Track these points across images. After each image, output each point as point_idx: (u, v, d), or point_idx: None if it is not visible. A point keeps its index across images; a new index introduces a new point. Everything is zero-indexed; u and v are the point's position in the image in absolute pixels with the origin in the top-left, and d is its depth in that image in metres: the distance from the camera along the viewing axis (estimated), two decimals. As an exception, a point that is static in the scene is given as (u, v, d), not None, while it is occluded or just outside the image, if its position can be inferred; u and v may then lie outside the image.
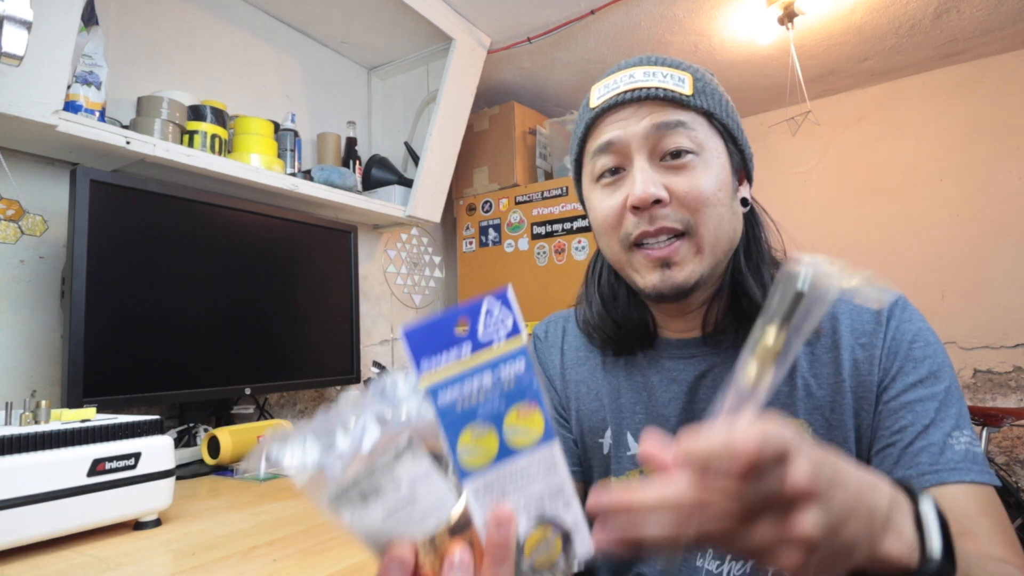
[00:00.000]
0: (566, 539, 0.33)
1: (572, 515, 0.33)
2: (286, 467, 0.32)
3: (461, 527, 0.34)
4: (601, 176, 0.64)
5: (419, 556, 0.33)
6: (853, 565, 0.32)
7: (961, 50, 2.25)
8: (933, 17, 1.98)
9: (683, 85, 0.61)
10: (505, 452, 0.33)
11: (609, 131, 0.62)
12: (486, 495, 0.33)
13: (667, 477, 0.32)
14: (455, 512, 0.34)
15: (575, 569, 0.33)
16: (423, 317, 0.35)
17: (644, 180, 0.59)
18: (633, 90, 0.61)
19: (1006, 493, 2.01)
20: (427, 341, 0.34)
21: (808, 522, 0.29)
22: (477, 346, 0.34)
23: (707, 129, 0.62)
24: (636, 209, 0.59)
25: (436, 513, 0.33)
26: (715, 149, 0.62)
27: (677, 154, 0.60)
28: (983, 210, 2.31)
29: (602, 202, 0.63)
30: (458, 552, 0.32)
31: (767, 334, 0.33)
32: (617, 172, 0.63)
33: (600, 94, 0.63)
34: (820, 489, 0.30)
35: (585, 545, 0.33)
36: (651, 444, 0.33)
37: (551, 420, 0.34)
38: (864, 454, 0.60)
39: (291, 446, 0.32)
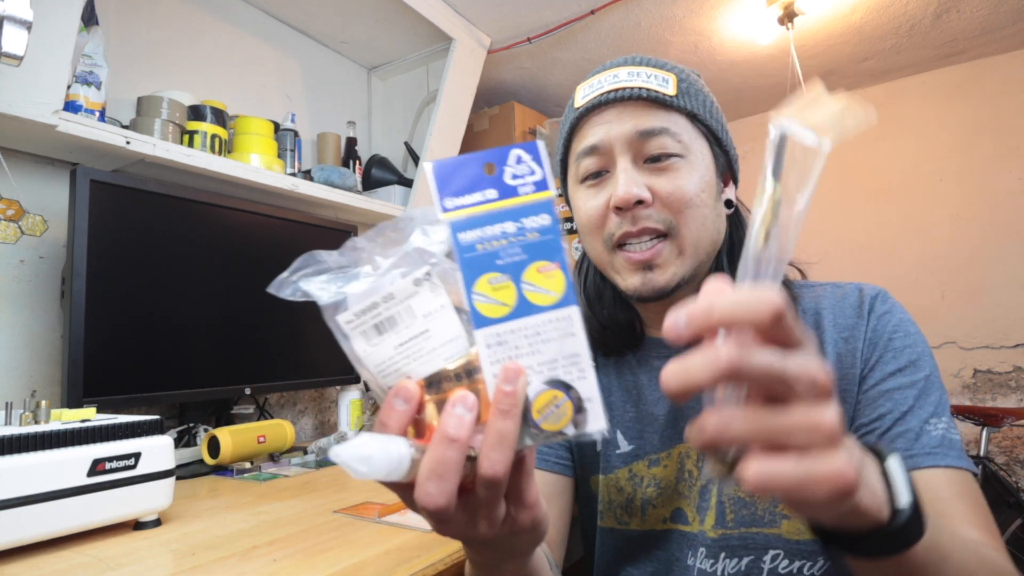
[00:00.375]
0: (578, 408, 0.32)
1: (587, 386, 0.32)
2: (312, 293, 0.34)
3: (468, 373, 0.33)
4: (586, 178, 0.64)
5: (423, 397, 0.33)
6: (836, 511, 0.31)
7: (961, 50, 2.25)
8: (933, 17, 1.98)
9: (667, 86, 0.61)
10: (522, 307, 0.32)
11: (593, 134, 0.62)
12: (498, 347, 0.32)
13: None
14: (466, 355, 0.33)
15: (583, 439, 0.32)
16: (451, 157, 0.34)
17: (627, 181, 0.59)
18: (616, 90, 0.61)
19: (1006, 493, 2.01)
20: (453, 177, 0.33)
21: (833, 413, 0.28)
22: (504, 192, 0.33)
23: (691, 131, 0.62)
24: (619, 210, 0.60)
25: (447, 350, 0.33)
26: (699, 151, 0.62)
27: (661, 157, 0.60)
28: (983, 210, 2.31)
29: (586, 203, 0.64)
30: (461, 392, 0.32)
31: (763, 191, 0.31)
32: (601, 174, 0.63)
33: (584, 94, 0.64)
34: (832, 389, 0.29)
35: (598, 420, 0.32)
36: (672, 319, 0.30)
37: (573, 283, 0.32)
38: None
39: (317, 276, 0.33)
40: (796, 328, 0.28)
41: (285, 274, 0.34)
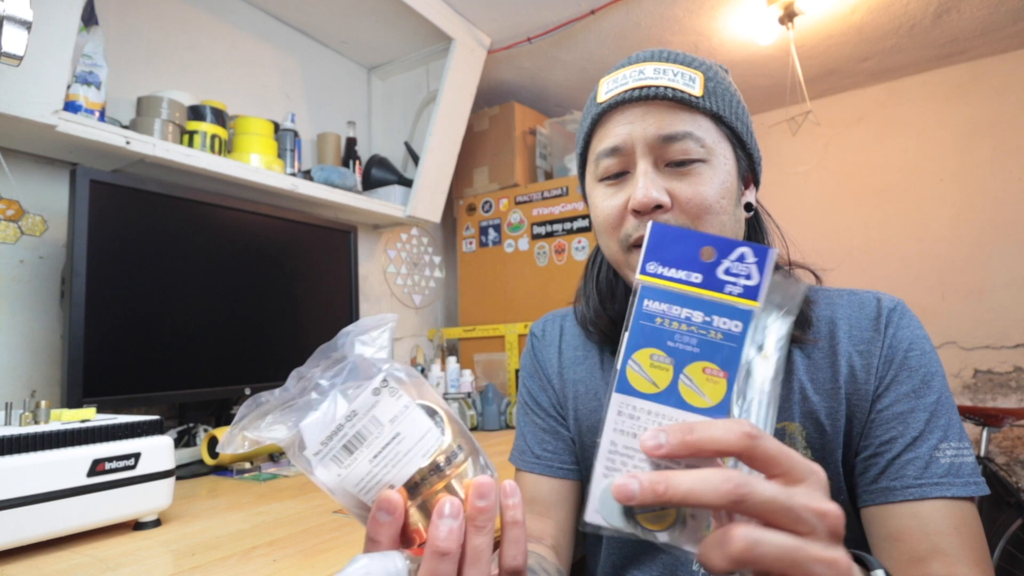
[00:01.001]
0: (682, 519, 0.31)
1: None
2: (265, 440, 0.32)
3: (448, 461, 0.33)
4: (605, 178, 0.63)
5: (406, 504, 0.32)
6: None
7: (961, 50, 2.25)
8: (933, 17, 1.98)
9: (693, 85, 0.59)
10: (670, 396, 0.31)
11: (615, 133, 0.61)
12: (628, 419, 0.31)
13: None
14: (439, 446, 0.32)
15: (672, 551, 0.31)
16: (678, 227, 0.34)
17: (646, 184, 0.58)
18: (641, 88, 0.59)
19: (1006, 493, 2.01)
20: (668, 245, 0.33)
21: (843, 554, 0.30)
22: (709, 282, 0.32)
23: (715, 134, 0.60)
24: (637, 212, 0.59)
25: (422, 447, 0.32)
26: (722, 155, 0.60)
27: (683, 162, 0.59)
28: (983, 210, 2.31)
29: (604, 201, 0.63)
30: (445, 500, 0.31)
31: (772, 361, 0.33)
32: (620, 175, 0.62)
33: (608, 88, 0.62)
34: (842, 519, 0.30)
35: (696, 541, 0.31)
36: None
37: (730, 400, 0.31)
38: (850, 459, 0.60)
39: (262, 419, 0.32)
40: (785, 457, 0.30)
41: (231, 428, 0.33)
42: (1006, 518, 1.99)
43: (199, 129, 1.34)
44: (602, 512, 0.31)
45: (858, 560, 0.37)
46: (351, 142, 1.85)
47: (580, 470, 0.73)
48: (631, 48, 2.06)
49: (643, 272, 0.33)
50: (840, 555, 0.29)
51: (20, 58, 0.74)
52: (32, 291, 1.18)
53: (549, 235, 2.02)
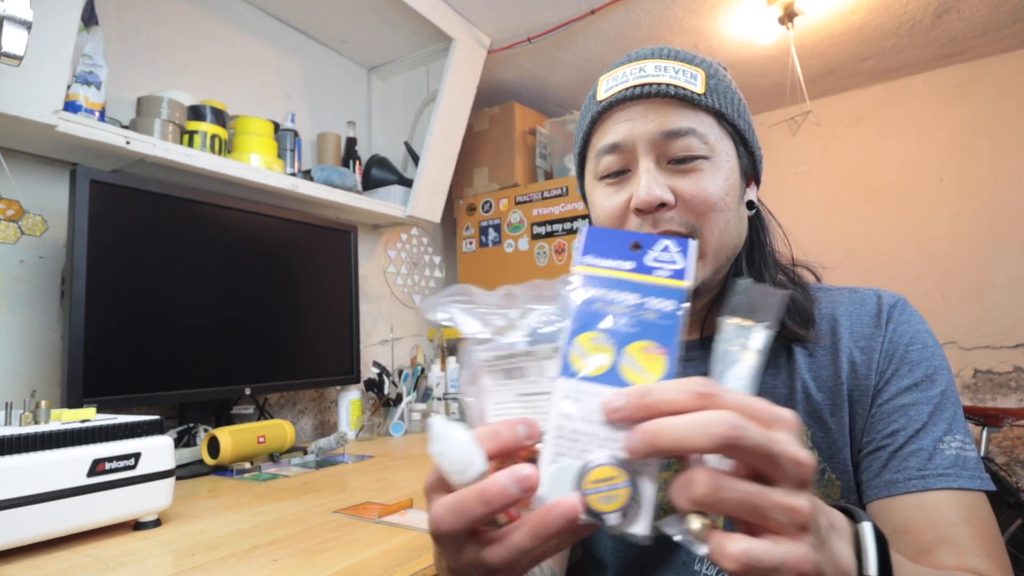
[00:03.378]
0: (633, 499, 0.30)
1: (649, 487, 0.31)
2: (462, 326, 0.36)
3: None
4: (605, 175, 0.62)
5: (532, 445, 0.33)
6: None
7: (961, 50, 2.25)
8: (933, 17, 1.98)
9: (695, 83, 0.58)
10: (612, 377, 0.32)
11: (615, 131, 0.60)
12: (573, 402, 0.32)
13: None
14: None
15: (621, 533, 0.31)
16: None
17: (649, 183, 0.57)
18: (642, 85, 0.58)
19: (1006, 493, 2.01)
20: (600, 242, 0.36)
21: (808, 502, 0.30)
22: (639, 267, 0.35)
23: (717, 131, 0.59)
24: (639, 211, 0.58)
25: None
26: (725, 152, 0.60)
27: (686, 159, 0.58)
28: (983, 210, 2.31)
29: (604, 200, 0.62)
30: (525, 467, 0.32)
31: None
32: (621, 173, 0.61)
33: (608, 87, 0.61)
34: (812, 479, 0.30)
35: (646, 524, 0.31)
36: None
37: (672, 376, 0.31)
38: (855, 456, 0.59)
39: (469, 308, 0.35)
40: (775, 411, 0.30)
41: (439, 296, 0.36)
42: (1006, 518, 1.99)
43: (199, 129, 1.34)
44: (551, 495, 0.32)
45: (847, 513, 0.37)
46: (351, 142, 1.85)
47: None
48: (631, 48, 2.06)
49: (579, 263, 0.35)
50: (803, 503, 0.29)
51: (20, 58, 0.74)
52: (32, 291, 1.18)
53: (549, 235, 2.02)
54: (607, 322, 0.33)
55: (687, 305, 0.33)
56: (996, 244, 2.28)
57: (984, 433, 2.07)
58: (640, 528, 0.31)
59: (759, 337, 0.35)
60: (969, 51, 2.26)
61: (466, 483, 0.32)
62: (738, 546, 0.29)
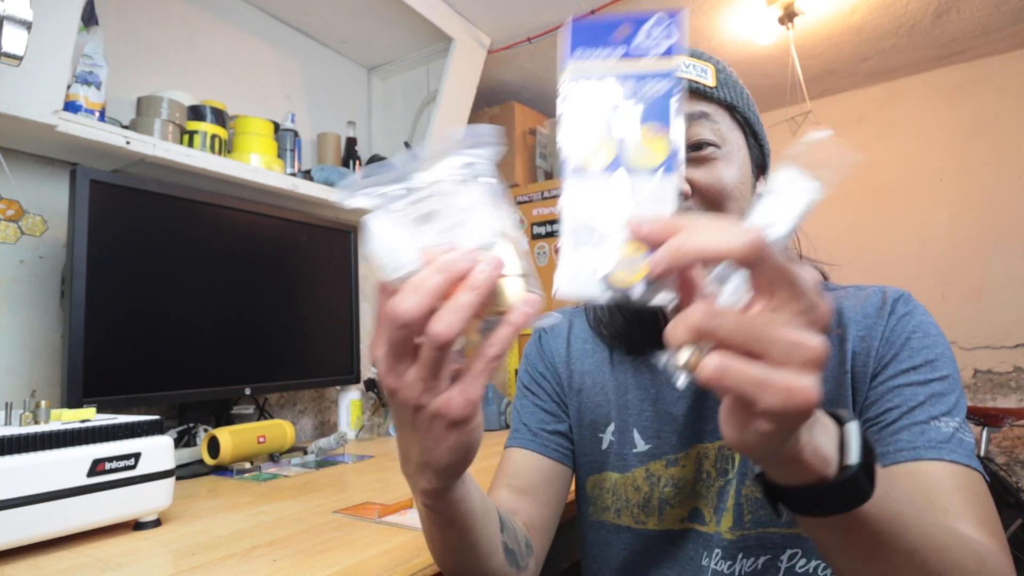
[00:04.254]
0: (653, 275, 0.31)
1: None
2: (365, 198, 0.36)
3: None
4: None
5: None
6: (783, 454, 0.32)
7: (961, 50, 2.25)
8: (933, 17, 1.98)
9: (706, 76, 0.60)
10: (618, 164, 0.33)
11: None
12: (584, 196, 0.33)
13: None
14: (492, 238, 0.34)
15: (643, 303, 0.32)
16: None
17: None
18: None
19: (1006, 493, 2.01)
20: (586, 34, 0.34)
21: (820, 341, 0.29)
22: (628, 54, 0.34)
23: (729, 122, 0.61)
24: None
25: (481, 233, 0.34)
26: (737, 143, 0.61)
27: (700, 146, 0.59)
28: (983, 210, 2.31)
29: None
30: (489, 256, 0.33)
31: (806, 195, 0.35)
32: None
33: None
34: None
35: (668, 294, 0.31)
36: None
37: (676, 153, 0.32)
38: None
39: (370, 186, 0.35)
40: (790, 270, 0.29)
41: (349, 181, 0.37)
42: (1006, 518, 1.99)
43: (199, 129, 1.34)
44: (575, 283, 0.33)
45: (834, 417, 0.37)
46: (351, 142, 1.85)
47: (574, 460, 0.72)
48: (631, 48, 2.06)
49: (569, 61, 0.34)
50: (813, 340, 0.29)
51: (20, 58, 0.74)
52: (32, 291, 1.18)
53: (549, 235, 2.02)
54: (605, 116, 0.33)
55: (678, 80, 0.33)
56: (996, 244, 2.28)
57: (984, 433, 2.07)
58: (664, 297, 0.32)
59: (810, 193, 0.35)
60: (969, 51, 2.26)
61: (404, 276, 0.33)
62: (715, 360, 0.29)
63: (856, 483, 0.34)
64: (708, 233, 0.29)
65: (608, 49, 0.34)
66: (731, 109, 0.61)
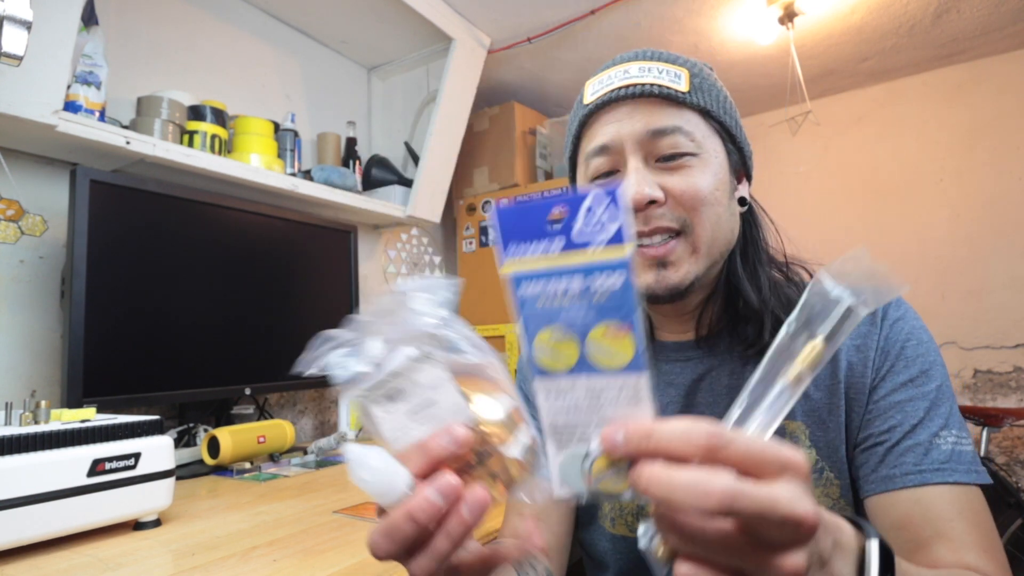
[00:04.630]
0: None
1: None
2: (332, 369, 0.36)
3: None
4: (596, 178, 0.63)
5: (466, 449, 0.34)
6: None
7: (961, 50, 2.25)
8: (933, 17, 1.98)
9: (679, 81, 0.59)
10: (584, 366, 0.31)
11: (603, 132, 0.61)
12: (556, 399, 0.32)
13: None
14: (472, 418, 0.34)
15: (639, 502, 0.32)
16: (520, 199, 0.33)
17: (639, 181, 0.57)
18: (627, 86, 0.59)
19: (1006, 493, 2.01)
20: (518, 225, 0.31)
21: (802, 560, 0.28)
22: (569, 245, 0.31)
23: (704, 128, 0.60)
24: (631, 210, 0.59)
25: (455, 416, 0.34)
26: (713, 149, 0.60)
27: (673, 156, 0.59)
28: (983, 210, 2.31)
29: None
30: (447, 480, 0.33)
31: (811, 347, 0.33)
32: (611, 174, 0.62)
33: (594, 90, 0.62)
34: (819, 525, 0.29)
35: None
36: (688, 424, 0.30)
37: (643, 351, 0.30)
38: (850, 452, 0.60)
39: (335, 351, 0.35)
40: (784, 458, 0.29)
41: (306, 354, 0.37)
42: (1006, 518, 1.99)
43: (199, 129, 1.34)
44: (567, 483, 0.32)
45: (856, 524, 0.36)
46: (351, 142, 1.85)
47: None
48: (631, 48, 2.06)
49: (505, 261, 0.32)
50: (795, 562, 0.28)
51: (20, 58, 0.74)
52: (32, 291, 1.18)
53: (549, 235, 2.02)
54: (558, 317, 0.31)
55: (633, 269, 0.30)
56: (996, 244, 2.28)
57: (984, 433, 2.07)
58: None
59: (817, 352, 0.34)
60: (969, 51, 2.26)
61: (395, 503, 0.33)
62: (687, 569, 0.29)
63: None
64: (679, 485, 0.28)
65: (545, 242, 0.31)
66: (705, 114, 0.60)
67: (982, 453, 2.07)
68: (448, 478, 0.33)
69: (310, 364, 0.36)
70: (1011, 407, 2.13)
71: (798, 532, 0.28)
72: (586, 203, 0.30)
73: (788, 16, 1.78)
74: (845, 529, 0.34)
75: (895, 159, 2.50)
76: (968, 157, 2.35)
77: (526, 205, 0.31)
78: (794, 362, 0.34)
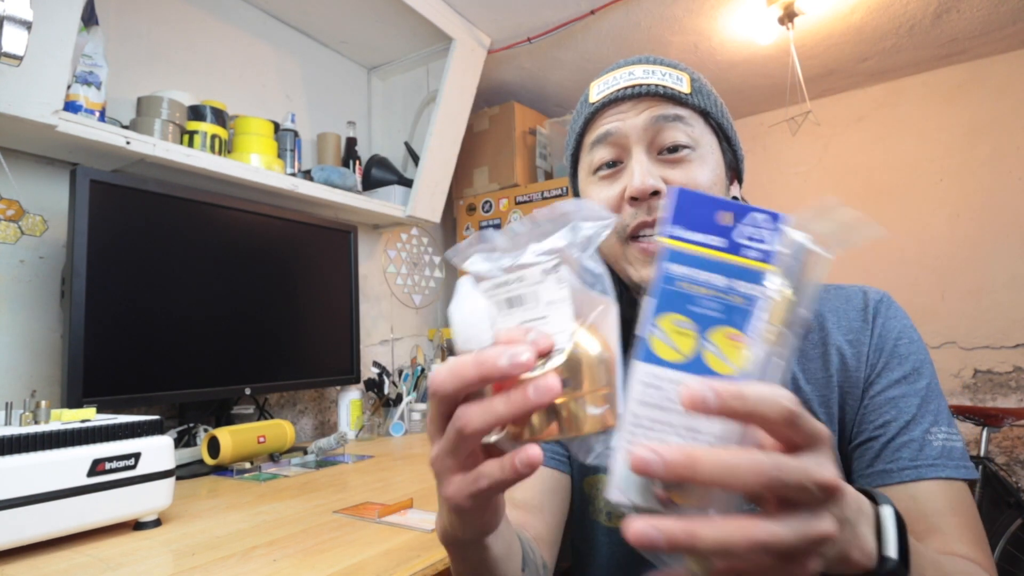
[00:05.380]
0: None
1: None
2: (468, 265, 0.38)
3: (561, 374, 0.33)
4: (598, 169, 0.65)
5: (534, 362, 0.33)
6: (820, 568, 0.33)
7: (961, 50, 2.25)
8: (933, 17, 1.98)
9: (681, 84, 0.62)
10: (695, 364, 0.31)
11: (608, 124, 0.63)
12: (653, 390, 0.31)
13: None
14: (565, 349, 0.33)
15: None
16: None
17: (642, 172, 0.60)
18: (633, 86, 0.62)
19: (1006, 493, 2.01)
20: (691, 209, 0.32)
21: (830, 522, 0.30)
22: (730, 246, 0.32)
23: (703, 127, 0.63)
24: (634, 200, 0.60)
25: (557, 340, 0.33)
26: (710, 146, 0.63)
27: (674, 148, 0.61)
28: (983, 210, 2.31)
29: (599, 193, 0.64)
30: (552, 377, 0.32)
31: (781, 295, 0.32)
32: (614, 165, 0.64)
33: (600, 90, 0.65)
34: (841, 488, 0.31)
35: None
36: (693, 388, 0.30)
37: (757, 366, 0.31)
38: (843, 447, 0.61)
39: (479, 255, 0.37)
40: (810, 426, 0.30)
41: (462, 244, 0.39)
42: (1006, 518, 1.99)
43: (199, 129, 1.34)
44: (625, 491, 0.31)
45: (867, 494, 0.38)
46: (351, 142, 1.85)
47: (572, 465, 0.72)
48: (631, 48, 2.06)
49: (669, 236, 0.32)
50: (825, 526, 0.29)
51: (20, 58, 0.74)
52: (32, 291, 1.18)
53: (549, 235, 2.02)
54: (692, 304, 0.31)
55: (777, 289, 0.31)
56: (996, 244, 2.28)
57: (984, 433, 2.07)
58: (724, 513, 0.31)
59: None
60: (969, 51, 2.26)
61: (468, 351, 0.34)
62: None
63: (896, 572, 0.35)
64: (728, 464, 0.28)
65: (708, 234, 0.32)
66: (705, 115, 0.64)
67: (982, 453, 2.07)
68: (523, 348, 0.31)
69: (457, 254, 0.39)
70: (1011, 407, 2.13)
71: (824, 494, 0.29)
72: (751, 216, 0.32)
73: (788, 16, 1.78)
74: (863, 498, 0.36)
75: (895, 159, 2.50)
76: (968, 157, 2.35)
77: (703, 196, 0.33)
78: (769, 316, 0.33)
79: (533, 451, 0.32)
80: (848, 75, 2.43)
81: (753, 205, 0.33)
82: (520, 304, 0.35)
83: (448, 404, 0.34)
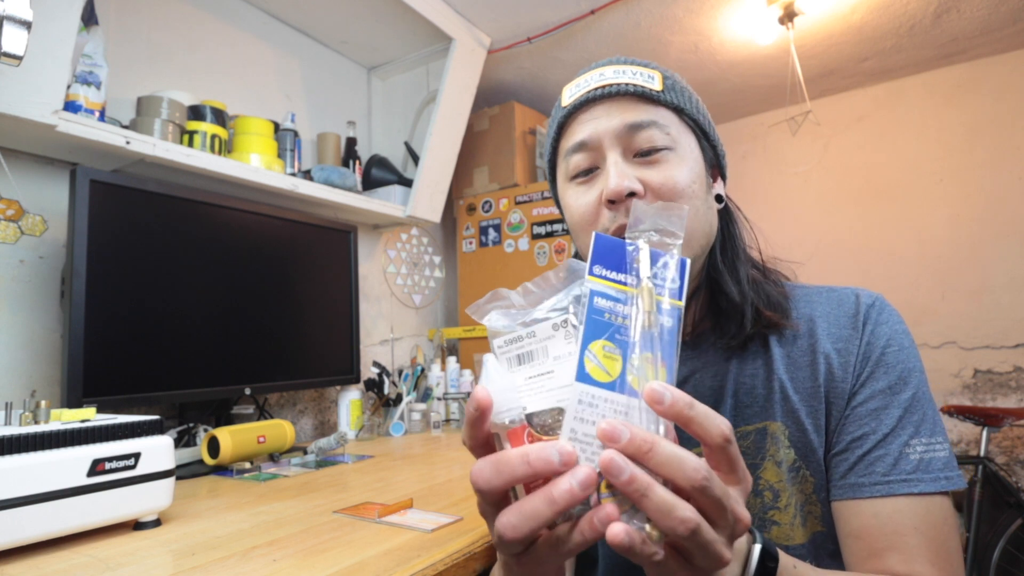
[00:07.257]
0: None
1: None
2: (493, 319, 0.40)
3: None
4: (575, 175, 0.64)
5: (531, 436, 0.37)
6: None
7: (961, 50, 2.25)
8: (933, 17, 1.98)
9: (653, 81, 0.61)
10: (621, 384, 0.35)
11: (581, 130, 0.62)
12: (588, 407, 0.35)
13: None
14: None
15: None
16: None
17: (618, 174, 0.59)
18: (604, 87, 0.61)
19: (1006, 493, 2.01)
20: (608, 253, 0.38)
21: (729, 551, 0.35)
22: (634, 280, 0.38)
23: (679, 125, 0.62)
24: (612, 203, 0.60)
25: (561, 393, 0.37)
26: (688, 145, 0.62)
27: (650, 151, 0.60)
28: (983, 210, 2.31)
29: (577, 199, 0.64)
30: (546, 447, 0.34)
31: (646, 289, 0.38)
32: (590, 172, 0.63)
33: (571, 93, 0.64)
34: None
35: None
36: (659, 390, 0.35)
37: (672, 383, 0.35)
38: (826, 458, 0.60)
39: (496, 312, 0.40)
40: (740, 460, 0.36)
41: (482, 301, 0.41)
42: (1006, 518, 1.99)
43: (199, 129, 1.34)
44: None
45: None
46: (351, 142, 1.85)
47: None
48: (631, 48, 2.06)
49: (590, 274, 0.37)
50: (727, 553, 0.34)
51: (20, 58, 0.74)
52: (32, 291, 1.18)
53: (549, 235, 2.02)
54: (616, 333, 0.36)
55: (681, 320, 0.37)
56: (996, 244, 2.28)
57: (984, 433, 2.07)
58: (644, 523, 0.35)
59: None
60: (969, 51, 2.26)
61: (501, 425, 0.36)
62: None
63: None
64: (671, 458, 0.33)
65: (624, 274, 0.38)
66: (679, 112, 0.62)
67: (982, 453, 2.07)
68: (567, 445, 0.34)
69: (476, 310, 0.41)
70: (1011, 407, 2.13)
71: (736, 527, 0.35)
72: (662, 260, 0.38)
73: (788, 16, 1.78)
74: (743, 541, 0.42)
75: (895, 159, 2.50)
76: (968, 157, 2.35)
77: (619, 241, 0.39)
78: (639, 312, 0.38)
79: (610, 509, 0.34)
80: (848, 75, 2.44)
81: (663, 251, 0.39)
82: (529, 360, 0.38)
83: (487, 497, 0.36)
